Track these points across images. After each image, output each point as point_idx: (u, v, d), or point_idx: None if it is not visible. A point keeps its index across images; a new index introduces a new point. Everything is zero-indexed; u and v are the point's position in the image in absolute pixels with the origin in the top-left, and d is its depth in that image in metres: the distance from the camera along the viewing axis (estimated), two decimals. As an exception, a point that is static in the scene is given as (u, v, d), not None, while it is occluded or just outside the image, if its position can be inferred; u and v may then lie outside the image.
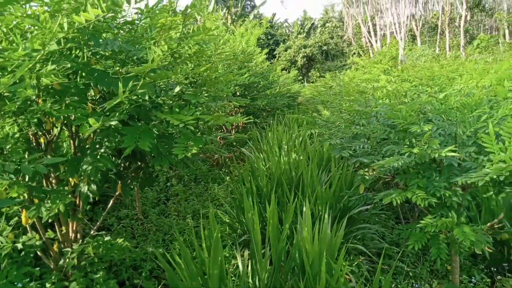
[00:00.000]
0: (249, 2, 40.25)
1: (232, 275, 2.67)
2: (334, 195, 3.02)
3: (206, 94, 2.16)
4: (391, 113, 2.30)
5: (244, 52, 5.50)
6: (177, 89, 1.85)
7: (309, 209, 2.23)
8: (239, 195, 3.17)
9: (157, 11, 2.11)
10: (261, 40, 31.08)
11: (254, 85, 5.77)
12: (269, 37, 31.79)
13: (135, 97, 1.68)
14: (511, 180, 2.17)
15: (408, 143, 2.29)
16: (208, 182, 4.93)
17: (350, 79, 6.26)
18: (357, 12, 35.37)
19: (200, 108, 2.14)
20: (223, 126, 6.25)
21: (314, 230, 2.26)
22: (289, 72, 22.70)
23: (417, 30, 31.53)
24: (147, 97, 1.82)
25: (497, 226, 2.29)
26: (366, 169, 2.50)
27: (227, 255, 2.93)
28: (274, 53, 30.86)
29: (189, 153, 1.74)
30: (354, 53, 34.28)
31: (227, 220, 3.21)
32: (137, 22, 2.09)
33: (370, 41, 34.09)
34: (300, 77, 28.91)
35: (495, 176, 1.86)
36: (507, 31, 27.46)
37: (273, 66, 6.80)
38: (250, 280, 2.25)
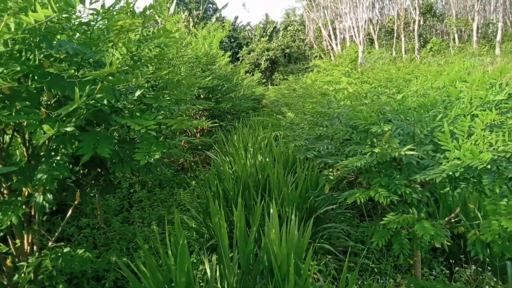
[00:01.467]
0: (211, 5, 40.10)
1: (200, 281, 2.61)
2: (301, 196, 3.05)
3: (168, 98, 2.11)
4: (353, 114, 2.35)
5: (207, 54, 5.45)
6: (138, 93, 1.79)
7: (276, 211, 2.23)
8: (205, 200, 3.12)
9: (115, 12, 2.03)
10: (224, 43, 31.06)
11: (218, 88, 5.73)
12: (232, 40, 31.82)
13: (92, 101, 1.61)
14: (466, 176, 2.28)
15: (369, 142, 2.35)
16: (173, 187, 4.83)
17: (313, 82, 6.37)
18: (317, 16, 36.22)
19: (162, 112, 2.08)
20: (188, 130, 6.15)
21: (281, 231, 2.27)
22: (253, 75, 22.77)
23: (375, 34, 32.76)
24: (105, 102, 1.75)
25: (454, 220, 2.40)
26: (331, 170, 2.54)
27: (195, 261, 2.87)
28: (237, 56, 30.89)
29: (152, 159, 1.68)
30: (316, 56, 35.02)
31: (193, 226, 3.14)
32: (93, 23, 2.00)
33: (330, 44, 35.00)
34: (264, 80, 29.14)
35: (451, 173, 1.95)
36: (456, 36, 29.12)
37: (237, 69, 6.79)
38: (218, 285, 2.21)
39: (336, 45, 34.23)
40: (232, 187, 3.15)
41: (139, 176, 4.89)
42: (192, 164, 5.41)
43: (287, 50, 32.40)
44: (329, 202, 2.68)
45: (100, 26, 2.17)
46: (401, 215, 2.25)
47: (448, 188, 2.33)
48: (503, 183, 2.00)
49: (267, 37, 34.60)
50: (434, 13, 32.96)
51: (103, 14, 2.03)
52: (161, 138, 2.08)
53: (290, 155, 4.12)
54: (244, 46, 31.95)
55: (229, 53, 8.65)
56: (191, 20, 33.59)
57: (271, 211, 2.26)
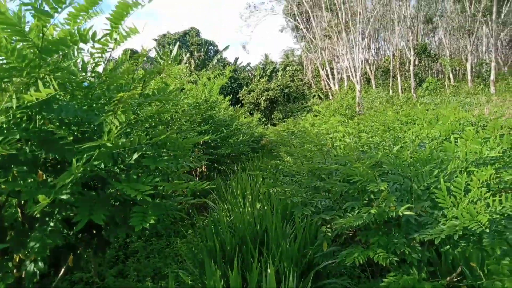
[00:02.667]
0: (212, 47, 41.44)
1: None
2: (299, 250, 2.99)
3: (166, 157, 2.13)
4: (349, 170, 2.36)
5: (207, 101, 5.56)
6: (135, 156, 1.80)
7: (273, 271, 2.18)
8: (201, 255, 3.06)
9: (117, 75, 2.10)
10: (225, 84, 31.79)
11: (217, 134, 5.79)
12: (233, 80, 32.57)
13: (89, 168, 1.62)
14: (466, 233, 2.25)
15: (366, 198, 2.34)
16: (170, 236, 4.75)
17: (311, 125, 6.45)
18: (315, 57, 37.29)
19: (159, 172, 2.09)
20: (196, 176, 6.15)
21: (279, 292, 2.21)
22: (252, 114, 23.07)
23: (371, 73, 33.56)
24: (102, 165, 1.76)
25: (455, 279, 2.34)
26: (329, 225, 2.51)
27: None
28: (237, 96, 31.47)
29: (147, 224, 1.67)
30: (314, 95, 35.69)
31: (189, 282, 3.06)
32: (95, 86, 2.06)
33: (328, 84, 35.76)
34: (264, 119, 29.51)
35: (446, 233, 1.93)
36: (451, 75, 29.84)
37: (236, 114, 6.89)
38: None
39: (334, 84, 34.96)
40: (230, 240, 3.09)
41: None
42: (190, 210, 5.36)
43: (286, 90, 33.07)
44: (327, 259, 2.62)
45: (102, 85, 2.23)
46: (402, 276, 2.20)
47: (448, 247, 2.29)
48: (503, 244, 1.97)
49: (266, 78, 35.46)
50: (429, 53, 34.00)
51: (105, 77, 2.10)
52: (158, 199, 2.07)
53: (289, 204, 4.08)
54: (244, 86, 32.64)
55: (229, 97, 8.83)
56: (192, 62, 34.58)
57: (268, 271, 2.20)
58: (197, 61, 32.99)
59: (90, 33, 1.76)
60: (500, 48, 32.27)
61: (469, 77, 26.45)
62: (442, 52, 34.84)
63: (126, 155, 1.83)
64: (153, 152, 2.02)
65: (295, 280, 2.30)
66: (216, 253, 2.91)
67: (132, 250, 4.38)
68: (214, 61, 33.53)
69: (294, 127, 7.63)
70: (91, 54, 1.96)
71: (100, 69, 2.21)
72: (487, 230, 1.80)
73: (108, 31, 1.82)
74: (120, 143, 1.68)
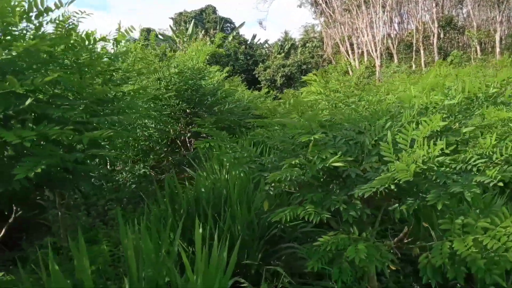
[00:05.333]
0: (229, 25, 40.84)
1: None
2: (257, 215, 2.83)
3: (81, 108, 1.98)
4: (289, 123, 2.15)
5: (193, 68, 5.38)
6: (28, 101, 1.66)
7: (199, 233, 2.01)
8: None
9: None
10: (240, 61, 31.31)
11: (204, 103, 5.63)
12: (248, 57, 32.08)
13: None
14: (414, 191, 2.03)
15: (303, 154, 2.13)
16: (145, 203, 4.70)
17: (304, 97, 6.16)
18: (335, 32, 36.10)
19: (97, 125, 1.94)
20: (181, 145, 6.05)
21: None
22: (259, 90, 22.68)
23: (393, 48, 32.26)
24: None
25: (406, 240, 2.12)
26: (272, 184, 2.33)
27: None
28: (253, 73, 31.04)
29: (32, 173, 1.53)
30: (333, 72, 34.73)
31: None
32: None
33: (348, 60, 34.69)
34: (280, 96, 29.01)
35: (381, 187, 1.71)
36: (478, 48, 28.26)
37: (221, 83, 6.66)
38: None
39: (354, 60, 33.90)
40: (184, 204, 2.96)
41: (115, 193, 4.78)
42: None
43: (304, 66, 32.30)
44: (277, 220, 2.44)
45: None
46: (341, 235, 2.00)
47: (396, 205, 2.07)
48: (446, 199, 1.73)
49: (283, 54, 34.72)
50: (455, 25, 32.23)
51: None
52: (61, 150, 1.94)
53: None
54: (260, 63, 32.13)
55: (227, 68, 8.61)
56: (208, 39, 34.17)
57: (195, 233, 2.03)
58: (212, 38, 32.58)
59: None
60: (534, 18, 30.17)
61: (498, 50, 24.97)
62: (470, 24, 32.97)
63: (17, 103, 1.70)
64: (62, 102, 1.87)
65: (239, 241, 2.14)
66: (167, 217, 2.79)
67: (110, 218, 4.36)
68: (230, 38, 33.01)
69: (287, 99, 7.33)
70: None
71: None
72: (410, 179, 1.57)
73: None
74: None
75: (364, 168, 2.11)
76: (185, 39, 33.29)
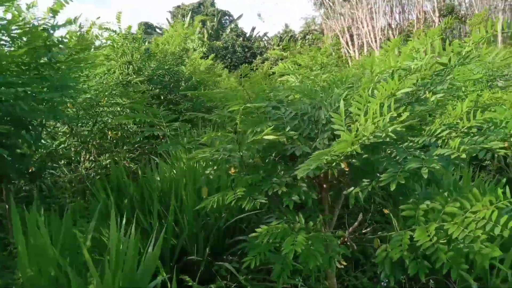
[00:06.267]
0: (227, 17, 40.34)
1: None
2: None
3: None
4: (227, 94, 1.83)
5: (164, 51, 5.05)
6: None
7: (114, 226, 1.70)
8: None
9: None
10: (238, 53, 30.85)
11: (179, 89, 5.31)
12: (246, 49, 31.67)
13: None
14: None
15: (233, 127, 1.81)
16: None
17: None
18: (334, 23, 35.49)
19: None
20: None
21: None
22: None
23: (394, 38, 31.67)
24: None
25: (365, 230, 1.80)
26: (215, 167, 2.01)
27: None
28: (251, 66, 30.65)
29: None
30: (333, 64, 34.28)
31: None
32: None
33: (348, 51, 34.12)
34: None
35: (320, 164, 1.38)
36: (480, 36, 27.67)
37: (196, 68, 6.30)
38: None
39: (354, 51, 33.38)
40: (132, 194, 2.65)
41: (80, 184, 4.47)
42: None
43: (302, 58, 31.80)
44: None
45: None
46: (281, 224, 1.69)
47: (352, 189, 1.75)
48: (402, 178, 1.41)
49: (282, 46, 34.29)
50: (457, 15, 31.70)
51: None
52: None
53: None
54: (259, 56, 31.72)
55: (212, 56, 8.29)
56: (205, 32, 33.86)
57: (113, 217, 1.73)
58: (210, 31, 32.19)
59: None
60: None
61: (500, 38, 24.40)
62: (472, 13, 32.31)
63: None
64: None
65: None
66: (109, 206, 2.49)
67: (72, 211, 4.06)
68: (228, 30, 32.62)
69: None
70: None
71: None
72: (349, 150, 1.24)
73: None
74: None
75: (315, 146, 1.79)
76: (195, 36, 33.00)
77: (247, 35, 35.53)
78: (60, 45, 2.62)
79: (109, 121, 4.44)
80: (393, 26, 33.49)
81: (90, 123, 4.37)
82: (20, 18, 2.50)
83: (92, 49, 3.12)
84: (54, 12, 2.63)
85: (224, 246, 2.55)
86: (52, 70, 2.34)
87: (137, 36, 4.84)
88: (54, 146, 3.81)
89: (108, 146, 4.41)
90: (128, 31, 4.72)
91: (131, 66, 4.70)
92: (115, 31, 4.62)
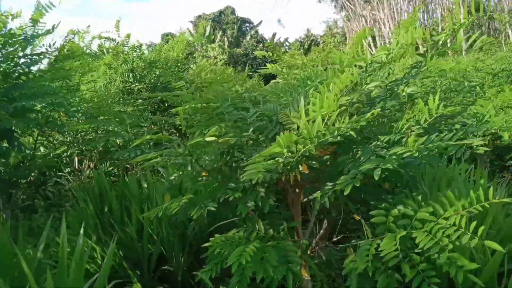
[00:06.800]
0: (248, 25, 40.58)
1: None
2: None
3: None
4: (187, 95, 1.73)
5: (166, 58, 5.05)
6: None
7: (65, 230, 1.62)
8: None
9: None
10: (258, 59, 30.85)
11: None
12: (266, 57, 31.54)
13: None
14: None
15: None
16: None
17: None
18: (356, 25, 34.97)
19: None
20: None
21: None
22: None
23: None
24: None
25: (336, 238, 1.64)
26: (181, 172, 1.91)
27: None
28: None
29: None
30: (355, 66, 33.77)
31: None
32: None
33: (371, 53, 33.52)
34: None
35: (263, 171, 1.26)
36: (510, 32, 26.51)
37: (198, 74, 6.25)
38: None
39: (376, 53, 32.73)
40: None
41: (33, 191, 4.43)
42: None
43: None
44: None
45: None
46: (244, 232, 1.57)
47: (318, 192, 1.61)
48: (358, 181, 1.27)
49: (302, 51, 34.10)
50: (484, 11, 30.57)
51: None
52: None
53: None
54: (280, 61, 31.61)
55: (222, 57, 8.23)
56: (226, 40, 34.23)
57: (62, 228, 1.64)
58: (230, 39, 32.49)
59: None
60: None
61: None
62: (501, 9, 30.98)
63: None
64: None
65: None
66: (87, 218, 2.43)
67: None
68: (248, 37, 32.80)
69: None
70: None
71: None
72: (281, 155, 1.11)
73: None
74: None
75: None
76: (203, 41, 33.39)
77: (268, 41, 35.59)
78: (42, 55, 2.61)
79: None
80: (417, 25, 32.60)
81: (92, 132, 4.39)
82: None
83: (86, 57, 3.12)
84: (34, 21, 2.64)
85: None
86: (28, 78, 2.34)
87: (138, 45, 4.85)
88: (51, 155, 3.83)
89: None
90: (127, 39, 4.74)
91: (131, 74, 4.72)
92: (114, 40, 4.66)
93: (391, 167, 1.17)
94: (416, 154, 1.19)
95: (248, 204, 1.47)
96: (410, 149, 1.15)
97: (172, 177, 1.84)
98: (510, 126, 1.54)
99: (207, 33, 33.95)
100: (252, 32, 34.34)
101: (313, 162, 1.46)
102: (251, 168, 1.26)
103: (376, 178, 1.17)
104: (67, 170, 4.71)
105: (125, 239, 2.25)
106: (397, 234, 1.37)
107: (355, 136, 1.35)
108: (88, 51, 3.57)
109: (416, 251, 1.40)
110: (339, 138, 1.34)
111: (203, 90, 5.41)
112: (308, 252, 1.66)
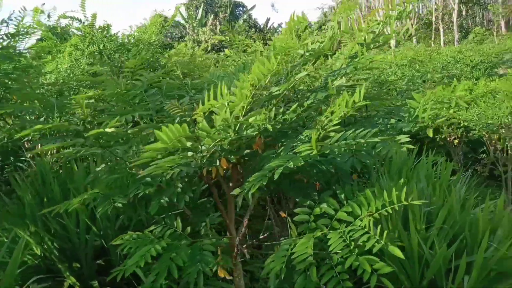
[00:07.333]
0: (241, 8, 39.93)
1: None
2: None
3: None
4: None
5: (138, 40, 4.87)
6: None
7: None
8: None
9: None
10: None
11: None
12: (261, 40, 31.22)
13: None
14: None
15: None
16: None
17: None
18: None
19: None
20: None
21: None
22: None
23: (412, 27, 30.59)
24: None
25: (263, 236, 1.57)
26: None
27: None
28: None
29: None
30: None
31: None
32: None
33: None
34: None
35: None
36: (503, 23, 26.45)
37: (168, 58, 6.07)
38: None
39: (370, 41, 32.49)
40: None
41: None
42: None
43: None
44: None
45: None
46: (162, 228, 1.48)
47: (237, 189, 1.52)
48: (266, 180, 1.18)
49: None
50: (478, 1, 30.38)
51: None
52: None
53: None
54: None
55: (203, 46, 8.08)
56: (217, 23, 33.70)
57: None
58: (222, 22, 31.98)
59: None
60: None
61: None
62: (495, 0, 30.83)
63: None
64: None
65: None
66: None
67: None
68: (240, 21, 32.32)
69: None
70: None
71: None
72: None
73: None
74: None
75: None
76: (194, 24, 32.76)
77: (261, 26, 35.07)
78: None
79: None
80: (410, 15, 32.37)
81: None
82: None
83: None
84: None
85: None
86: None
87: (104, 26, 4.65)
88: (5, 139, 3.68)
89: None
90: (94, 19, 4.55)
91: (100, 56, 4.54)
92: (80, 20, 4.46)
93: (291, 166, 1.09)
94: (327, 152, 1.10)
95: (162, 200, 1.37)
96: (313, 147, 1.06)
97: (98, 169, 1.75)
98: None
99: (199, 17, 33.34)
100: (245, 16, 33.80)
101: (231, 156, 1.37)
102: (153, 163, 1.17)
103: (276, 177, 1.08)
104: (29, 155, 4.57)
105: (61, 231, 2.16)
106: (314, 234, 1.29)
107: (271, 130, 1.26)
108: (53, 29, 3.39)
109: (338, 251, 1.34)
110: (255, 133, 1.25)
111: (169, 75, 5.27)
112: (236, 251, 1.58)
